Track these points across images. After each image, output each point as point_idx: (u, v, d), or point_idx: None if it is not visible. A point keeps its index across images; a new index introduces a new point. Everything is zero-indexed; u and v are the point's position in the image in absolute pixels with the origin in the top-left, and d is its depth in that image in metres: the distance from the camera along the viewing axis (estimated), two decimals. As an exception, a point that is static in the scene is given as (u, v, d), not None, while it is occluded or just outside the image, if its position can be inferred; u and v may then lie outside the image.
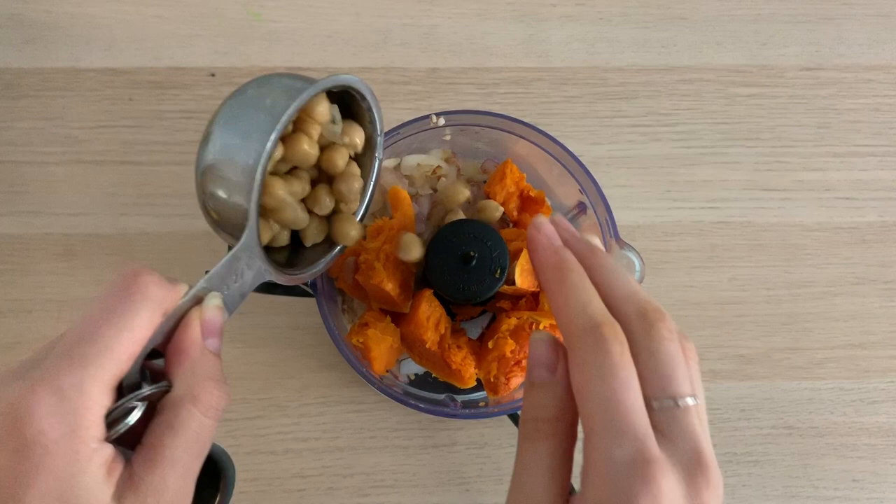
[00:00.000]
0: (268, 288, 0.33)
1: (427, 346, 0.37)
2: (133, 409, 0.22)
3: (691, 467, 0.23)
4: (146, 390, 0.23)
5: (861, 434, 0.45)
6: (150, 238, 0.45)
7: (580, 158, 0.40)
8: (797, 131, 0.50)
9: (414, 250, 0.36)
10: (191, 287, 0.25)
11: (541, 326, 0.36)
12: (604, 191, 0.39)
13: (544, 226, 0.29)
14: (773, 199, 0.48)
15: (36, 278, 0.44)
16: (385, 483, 0.43)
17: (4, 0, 0.48)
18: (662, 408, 0.24)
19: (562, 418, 0.26)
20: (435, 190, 0.42)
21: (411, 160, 0.41)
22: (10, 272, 0.44)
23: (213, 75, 0.48)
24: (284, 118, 0.28)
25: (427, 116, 0.39)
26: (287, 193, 0.29)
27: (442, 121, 0.40)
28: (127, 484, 0.21)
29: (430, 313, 0.37)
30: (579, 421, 0.26)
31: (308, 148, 0.29)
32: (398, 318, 0.38)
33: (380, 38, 0.49)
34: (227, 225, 0.29)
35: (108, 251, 0.45)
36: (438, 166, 0.41)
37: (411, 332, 0.37)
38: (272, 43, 0.48)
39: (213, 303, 0.26)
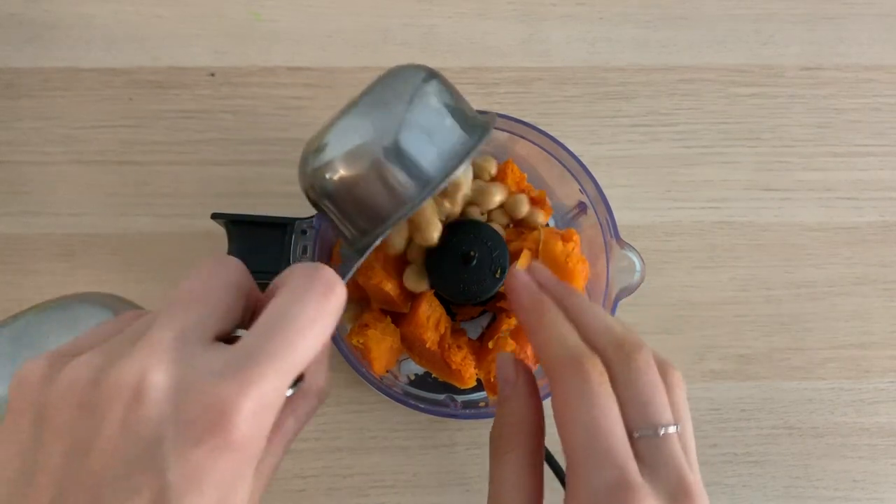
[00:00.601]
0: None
1: (427, 346, 0.37)
2: None
3: (675, 496, 0.24)
4: (293, 388, 0.23)
5: (861, 434, 0.45)
6: (150, 238, 0.45)
7: (580, 158, 0.40)
8: (798, 131, 0.49)
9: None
10: None
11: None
12: (604, 191, 0.39)
13: (521, 273, 0.31)
14: (774, 198, 0.48)
15: (36, 278, 0.44)
16: (385, 483, 0.43)
17: (4, 0, 0.48)
18: (643, 437, 0.24)
19: (521, 429, 0.27)
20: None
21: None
22: (10, 272, 0.44)
23: (213, 75, 0.48)
24: (475, 152, 0.29)
25: (427, 116, 0.39)
26: None
27: (442, 121, 0.39)
28: None
29: (430, 313, 0.37)
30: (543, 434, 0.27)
31: None
32: (398, 318, 0.38)
33: (380, 38, 0.49)
34: (346, 212, 0.29)
35: (107, 251, 0.45)
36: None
37: (411, 332, 0.37)
38: (272, 43, 0.48)
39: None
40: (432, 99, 0.29)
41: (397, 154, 0.28)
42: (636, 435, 0.24)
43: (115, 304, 0.31)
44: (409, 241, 0.37)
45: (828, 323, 0.47)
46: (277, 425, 0.22)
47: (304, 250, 0.38)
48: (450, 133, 0.29)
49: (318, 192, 0.29)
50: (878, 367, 0.46)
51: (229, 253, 0.38)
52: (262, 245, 0.38)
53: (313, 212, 0.38)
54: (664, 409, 0.25)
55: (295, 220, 0.38)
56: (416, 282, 0.37)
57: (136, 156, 0.46)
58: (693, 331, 0.46)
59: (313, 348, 0.21)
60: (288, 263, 0.37)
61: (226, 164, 0.46)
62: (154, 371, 0.19)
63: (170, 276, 0.44)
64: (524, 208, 0.38)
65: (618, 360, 0.26)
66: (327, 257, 0.40)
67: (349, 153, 0.28)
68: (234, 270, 0.22)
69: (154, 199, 0.46)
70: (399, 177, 0.28)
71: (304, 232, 0.38)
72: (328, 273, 0.22)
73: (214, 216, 0.38)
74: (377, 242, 0.29)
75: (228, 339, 0.22)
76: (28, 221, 0.45)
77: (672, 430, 0.25)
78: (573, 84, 0.49)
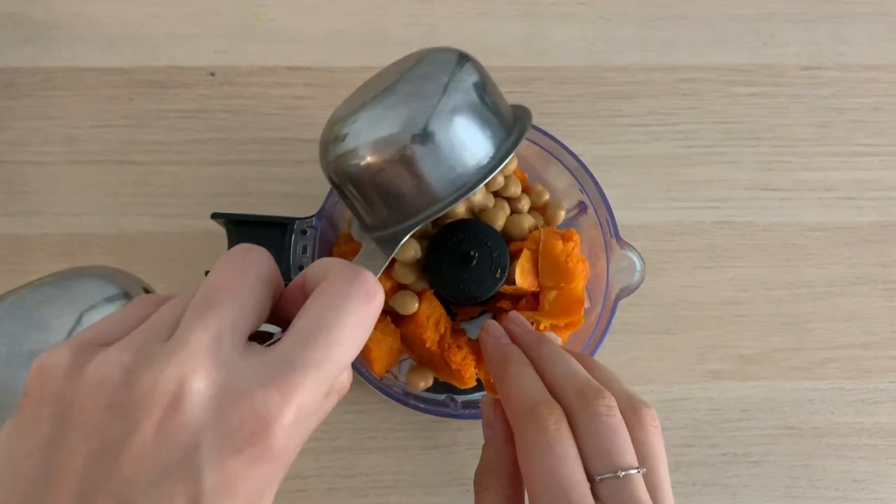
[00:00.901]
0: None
1: (427, 345, 0.37)
2: None
3: None
4: None
5: (862, 434, 0.45)
6: (150, 238, 0.45)
7: (580, 158, 0.39)
8: (798, 131, 0.49)
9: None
10: None
11: (541, 327, 0.36)
12: (604, 190, 0.39)
13: (492, 327, 0.33)
14: (774, 198, 0.48)
15: (35, 278, 0.44)
16: (385, 484, 0.43)
17: (4, 0, 0.48)
18: (604, 480, 0.25)
19: (500, 465, 0.29)
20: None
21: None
22: (10, 272, 0.44)
23: (212, 75, 0.48)
24: (511, 155, 0.28)
25: (427, 116, 0.39)
26: None
27: (442, 120, 0.39)
28: None
29: (430, 313, 0.37)
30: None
31: None
32: (398, 318, 0.38)
33: (380, 38, 0.49)
34: (370, 200, 0.28)
35: (107, 251, 0.45)
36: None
37: (411, 331, 0.37)
38: (272, 42, 0.48)
39: None
40: (470, 92, 0.27)
41: (431, 147, 0.26)
42: (597, 479, 0.25)
43: (118, 277, 0.30)
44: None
45: (828, 323, 0.46)
46: None
47: (304, 250, 0.38)
48: (488, 129, 0.28)
49: (342, 176, 0.28)
50: (879, 367, 0.46)
51: (229, 253, 0.38)
52: (262, 245, 0.38)
53: (313, 211, 0.38)
54: (624, 453, 0.26)
55: (295, 219, 0.38)
56: (404, 304, 0.37)
57: (136, 156, 0.46)
58: (693, 331, 0.46)
59: (352, 356, 0.21)
60: (288, 264, 0.37)
61: (225, 163, 0.46)
62: (194, 377, 0.18)
63: (170, 276, 0.44)
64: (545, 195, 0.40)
65: (578, 407, 0.27)
66: (327, 257, 0.39)
67: (381, 143, 0.26)
68: (265, 262, 0.22)
69: (154, 199, 0.46)
70: (432, 172, 0.27)
71: (304, 232, 0.38)
72: (370, 280, 0.21)
73: (214, 216, 0.38)
74: (406, 239, 0.28)
75: (258, 334, 0.21)
76: (28, 221, 0.45)
77: (634, 472, 0.25)
78: (574, 84, 0.49)
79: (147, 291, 0.31)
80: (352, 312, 0.21)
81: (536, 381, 0.28)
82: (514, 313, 0.34)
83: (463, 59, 0.28)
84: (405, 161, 0.27)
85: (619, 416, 0.27)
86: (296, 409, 0.19)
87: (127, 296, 0.29)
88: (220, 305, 0.20)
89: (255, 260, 0.22)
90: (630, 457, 0.26)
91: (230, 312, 0.20)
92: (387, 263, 0.28)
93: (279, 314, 0.23)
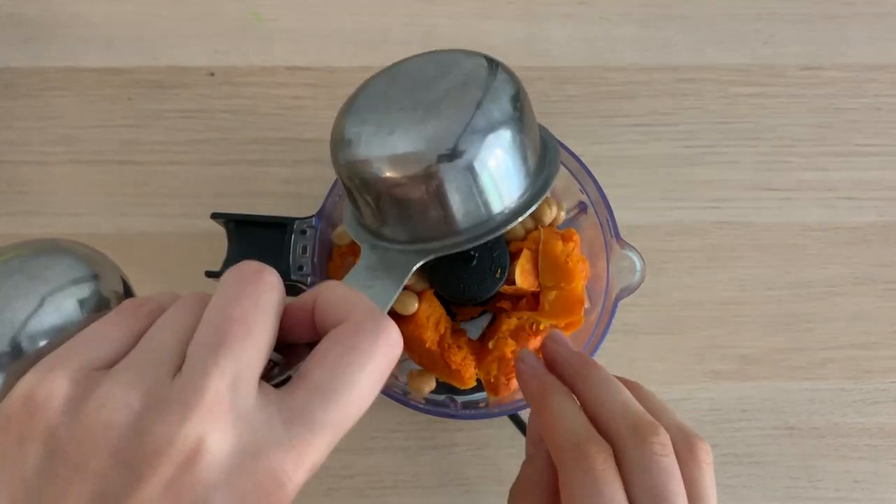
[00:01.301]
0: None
1: (427, 345, 0.37)
2: None
3: None
4: None
5: (862, 435, 0.45)
6: (150, 238, 0.45)
7: (581, 158, 0.39)
8: (798, 131, 0.49)
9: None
10: None
11: (541, 327, 0.36)
12: (604, 190, 0.39)
13: (528, 357, 0.31)
14: (775, 198, 0.48)
15: None
16: (384, 484, 0.43)
17: (3, 0, 0.48)
18: None
19: (540, 486, 0.27)
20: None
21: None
22: (10, 272, 0.44)
23: (212, 75, 0.48)
24: (549, 188, 0.27)
25: (427, 116, 0.39)
26: None
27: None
28: None
29: (430, 313, 0.37)
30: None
31: None
32: (398, 318, 0.38)
33: (380, 38, 0.49)
34: (384, 214, 0.26)
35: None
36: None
37: (411, 331, 0.37)
38: (271, 42, 0.48)
39: None
40: (506, 109, 0.25)
41: (460, 170, 0.24)
42: None
43: (86, 256, 0.28)
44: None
45: (828, 323, 0.46)
46: None
47: (304, 250, 0.38)
48: (519, 158, 0.25)
49: (355, 181, 0.27)
50: (879, 367, 0.46)
51: (229, 253, 0.38)
52: (262, 245, 0.38)
53: (313, 211, 0.38)
54: (676, 496, 0.24)
55: (295, 219, 0.38)
56: (404, 304, 0.36)
57: (136, 156, 0.46)
58: (693, 331, 0.46)
59: (367, 407, 0.20)
60: (288, 264, 0.37)
61: (225, 163, 0.46)
62: (212, 435, 0.18)
63: (170, 276, 0.44)
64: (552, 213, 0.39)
65: (632, 444, 0.25)
66: (327, 257, 0.39)
67: (405, 158, 0.24)
68: (277, 287, 0.21)
69: (154, 199, 0.46)
70: (461, 198, 0.25)
71: (303, 232, 0.38)
72: (394, 333, 0.21)
73: (214, 216, 0.38)
74: (416, 267, 0.27)
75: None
76: (28, 221, 0.45)
77: None
78: (573, 84, 0.49)
79: (123, 279, 0.29)
80: (374, 370, 0.20)
81: (581, 416, 0.27)
82: (557, 332, 0.32)
83: (496, 67, 0.26)
84: (428, 180, 0.25)
85: (672, 456, 0.25)
86: (309, 468, 0.19)
87: (97, 278, 0.26)
88: (235, 345, 0.19)
89: (268, 285, 0.20)
90: (682, 501, 0.24)
91: (246, 353, 0.19)
92: (397, 294, 0.26)
93: (280, 334, 0.21)
